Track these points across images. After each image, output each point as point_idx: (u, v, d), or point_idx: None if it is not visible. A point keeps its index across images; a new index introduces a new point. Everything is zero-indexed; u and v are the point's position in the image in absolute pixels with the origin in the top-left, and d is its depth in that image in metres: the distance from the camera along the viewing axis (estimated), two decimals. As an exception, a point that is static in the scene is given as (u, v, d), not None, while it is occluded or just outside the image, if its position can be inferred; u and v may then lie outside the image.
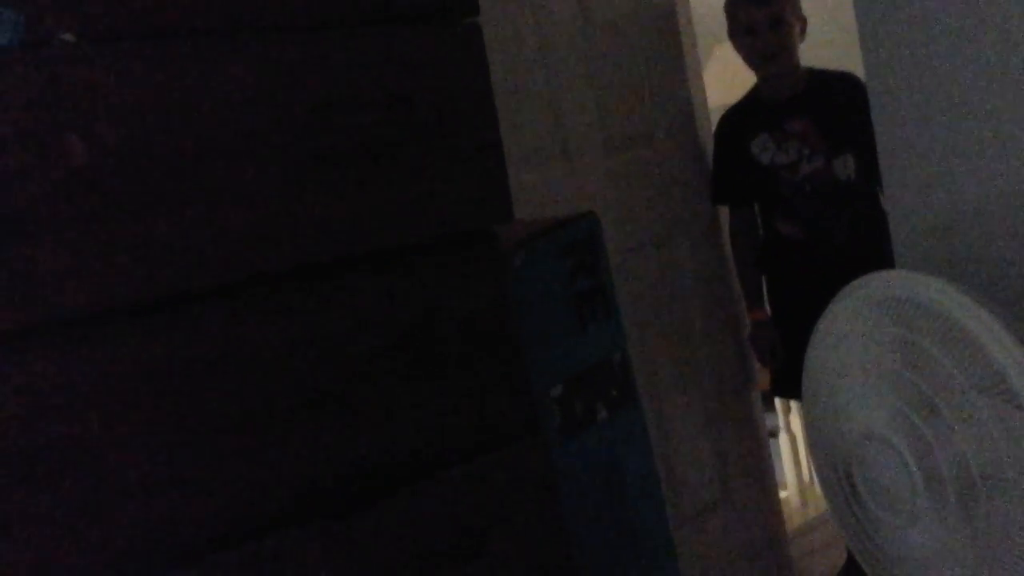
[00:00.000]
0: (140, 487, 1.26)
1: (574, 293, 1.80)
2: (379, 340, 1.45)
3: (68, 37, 1.23)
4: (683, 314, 3.29)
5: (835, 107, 3.17)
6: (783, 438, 4.17)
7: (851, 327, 1.76)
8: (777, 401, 4.07)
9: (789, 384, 3.13)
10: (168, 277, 1.28)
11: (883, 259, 2.23)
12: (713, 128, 3.44)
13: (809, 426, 1.94)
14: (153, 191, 1.27)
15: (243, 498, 1.34)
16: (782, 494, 3.87)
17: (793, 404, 4.04)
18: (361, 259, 1.45)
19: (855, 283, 1.78)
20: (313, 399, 1.39)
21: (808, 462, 4.05)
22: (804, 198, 3.19)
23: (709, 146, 3.41)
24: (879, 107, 2.05)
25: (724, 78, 4.17)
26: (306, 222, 1.39)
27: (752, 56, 3.27)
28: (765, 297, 3.41)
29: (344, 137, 1.42)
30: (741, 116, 3.34)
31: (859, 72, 2.27)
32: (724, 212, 3.43)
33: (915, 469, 1.63)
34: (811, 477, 4.06)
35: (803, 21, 3.26)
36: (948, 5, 1.91)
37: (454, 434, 1.53)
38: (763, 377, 3.61)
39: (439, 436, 1.51)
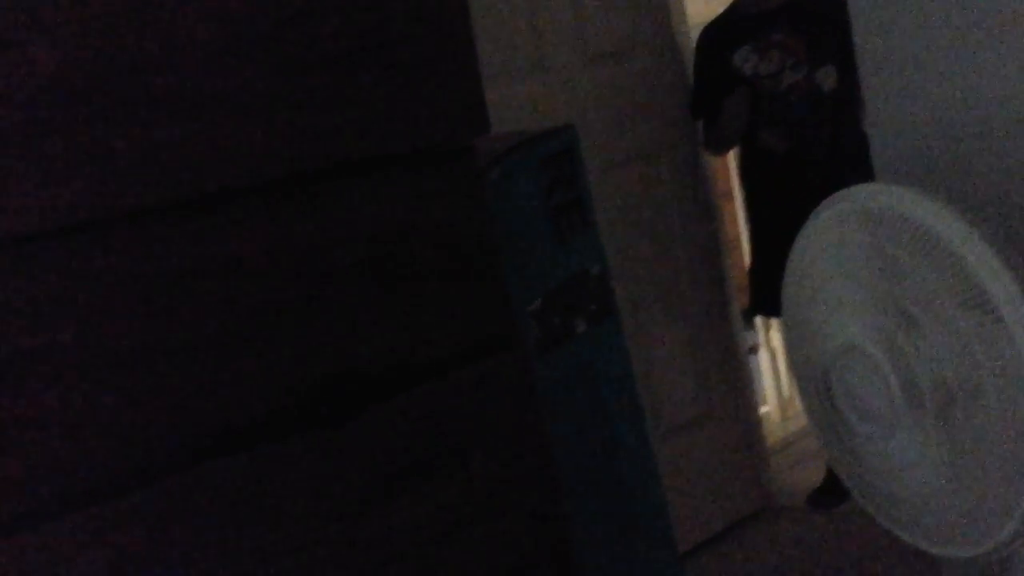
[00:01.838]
0: (115, 399, 1.25)
1: (552, 206, 1.78)
2: (356, 252, 1.44)
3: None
4: (663, 230, 3.29)
5: (818, 18, 3.15)
6: (763, 354, 4.18)
7: (831, 239, 1.75)
8: (757, 318, 4.09)
9: (769, 301, 3.13)
10: (138, 189, 1.27)
11: (864, 171, 2.22)
12: (694, 42, 3.41)
13: (789, 338, 1.95)
14: (122, 102, 1.25)
15: (219, 410, 1.33)
16: (762, 409, 3.90)
17: (773, 321, 4.06)
18: (335, 171, 1.43)
19: (835, 196, 1.77)
20: (290, 311, 1.38)
21: (788, 378, 4.07)
22: (787, 108, 3.18)
23: (690, 61, 3.38)
24: (860, 19, 2.03)
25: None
26: (279, 133, 1.37)
27: None
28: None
29: (316, 46, 1.39)
30: (723, 28, 3.31)
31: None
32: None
33: (893, 380, 1.63)
34: (791, 393, 4.08)
35: None
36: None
37: (433, 348, 1.52)
38: (743, 295, 3.62)
39: (418, 349, 1.51)
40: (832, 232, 1.75)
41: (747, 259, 3.85)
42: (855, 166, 2.60)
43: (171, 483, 1.29)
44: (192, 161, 1.30)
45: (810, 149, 3.20)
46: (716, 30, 3.34)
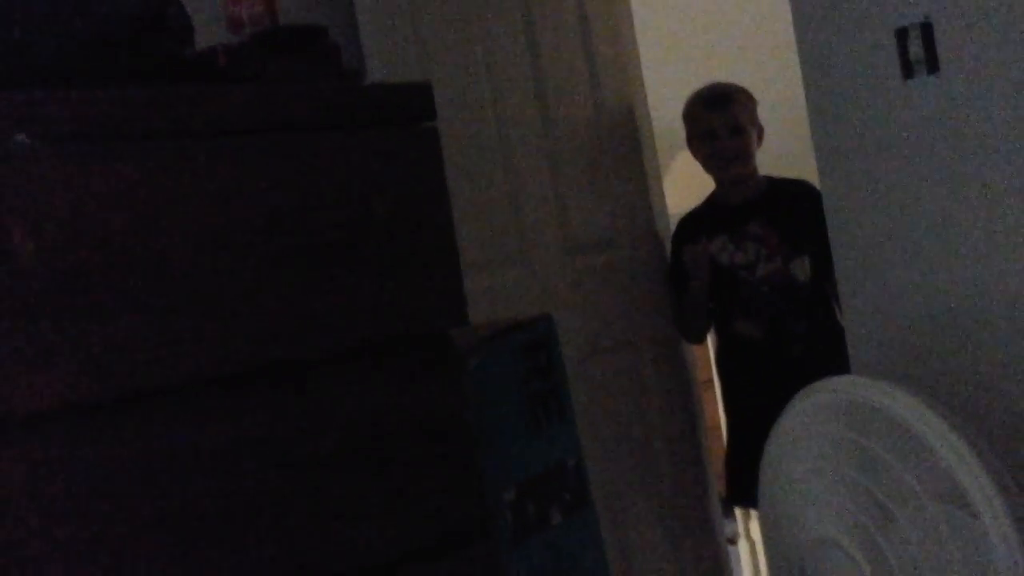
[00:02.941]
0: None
1: (529, 395, 1.79)
2: (330, 442, 1.44)
3: (23, 139, 1.24)
4: (642, 420, 3.29)
5: (792, 211, 3.21)
6: (742, 545, 4.14)
7: (806, 432, 1.76)
8: (737, 508, 4.05)
9: (746, 490, 3.12)
10: (116, 378, 1.27)
11: (840, 362, 2.24)
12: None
13: (765, 530, 1.94)
14: (103, 291, 1.27)
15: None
16: (742, 602, 3.84)
17: (753, 511, 4.02)
18: (313, 361, 1.44)
19: (810, 388, 1.79)
20: (262, 502, 1.37)
21: (768, 570, 4.01)
22: (762, 298, 3.22)
23: (669, 253, 3.44)
24: (834, 214, 2.08)
25: (684, 187, 4.22)
26: (259, 323, 1.38)
27: (711, 160, 3.32)
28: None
29: (299, 240, 1.42)
30: (699, 219, 3.38)
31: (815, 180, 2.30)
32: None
33: (869, 575, 1.62)
34: (772, 585, 4.02)
35: (760, 129, 3.32)
36: (899, 116, 1.95)
37: (405, 538, 1.51)
38: (722, 484, 3.60)
39: (390, 540, 1.49)
40: (807, 423, 1.76)
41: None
42: (831, 357, 2.63)
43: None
44: (170, 351, 1.31)
45: (785, 339, 3.22)
46: (692, 221, 3.40)
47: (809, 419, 1.77)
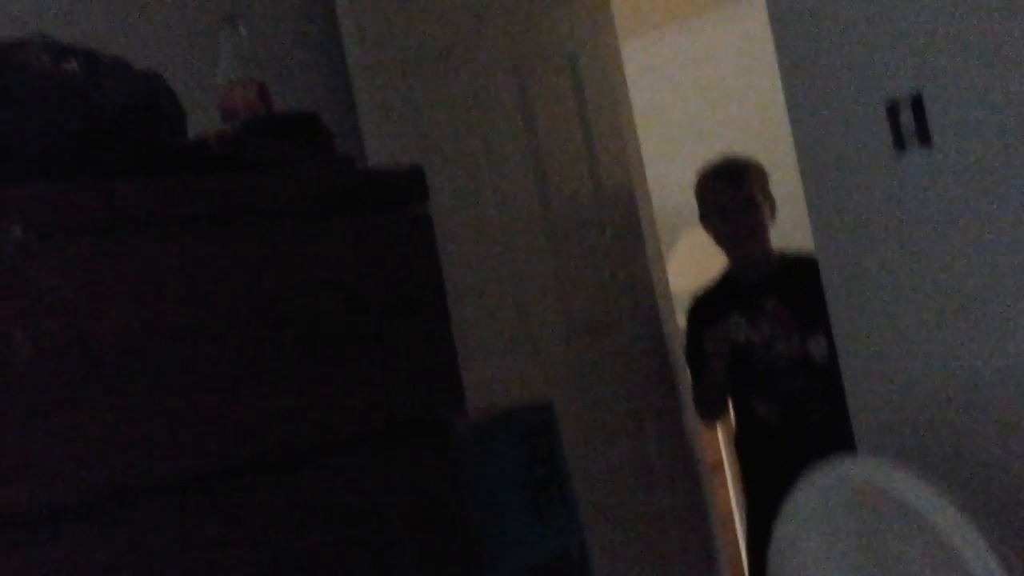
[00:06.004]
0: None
1: (530, 482, 1.77)
2: (333, 530, 1.41)
3: (16, 232, 1.22)
4: (649, 507, 3.24)
5: (807, 289, 3.14)
6: (758, 631, 4.07)
7: (812, 513, 1.73)
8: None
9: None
10: (115, 471, 1.25)
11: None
12: (676, 315, 3.44)
13: (775, 617, 1.90)
14: (100, 384, 1.25)
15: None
16: None
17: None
18: (313, 449, 1.42)
19: (816, 469, 1.76)
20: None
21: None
22: (779, 377, 3.15)
23: (672, 334, 3.40)
24: (832, 291, 2.07)
25: (692, 263, 4.20)
26: (259, 413, 1.37)
27: (725, 237, 3.25)
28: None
29: (296, 328, 1.41)
30: (714, 297, 3.31)
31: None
32: (689, 400, 3.39)
33: (882, 662, 1.59)
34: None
35: (773, 203, 3.25)
36: (892, 190, 1.95)
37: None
38: (735, 568, 3.54)
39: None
40: (812, 505, 1.73)
41: (740, 534, 3.79)
42: (849, 435, 2.57)
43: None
44: (169, 441, 1.29)
45: (804, 420, 3.15)
46: (706, 299, 3.33)
47: (814, 501, 1.74)
